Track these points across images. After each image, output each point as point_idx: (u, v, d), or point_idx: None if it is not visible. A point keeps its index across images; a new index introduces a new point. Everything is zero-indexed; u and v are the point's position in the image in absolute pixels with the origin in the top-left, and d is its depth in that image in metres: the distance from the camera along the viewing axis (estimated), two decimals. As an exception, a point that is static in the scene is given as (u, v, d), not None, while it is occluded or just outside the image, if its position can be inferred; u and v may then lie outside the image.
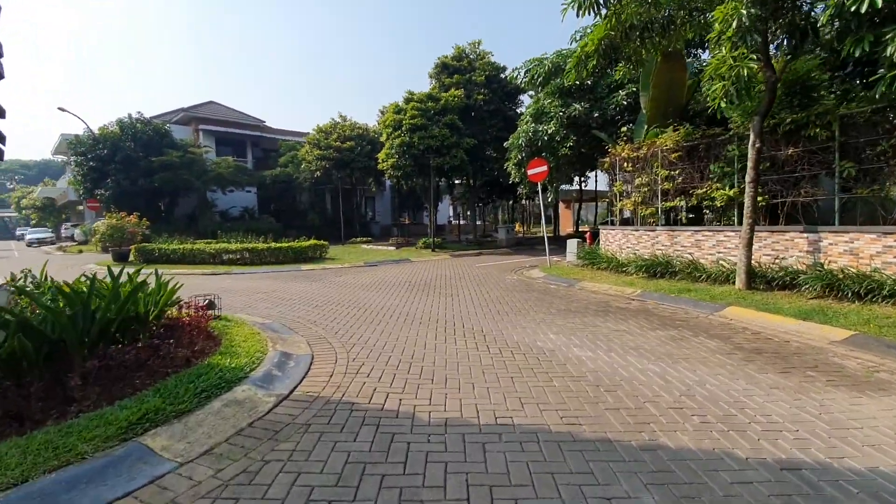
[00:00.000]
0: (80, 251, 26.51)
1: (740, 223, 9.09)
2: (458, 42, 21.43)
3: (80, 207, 34.46)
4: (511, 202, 31.39)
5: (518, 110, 24.43)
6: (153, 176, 25.57)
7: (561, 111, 13.48)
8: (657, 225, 10.74)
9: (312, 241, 17.14)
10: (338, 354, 5.11)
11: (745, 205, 7.79)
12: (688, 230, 9.87)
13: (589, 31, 10.78)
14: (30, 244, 36.26)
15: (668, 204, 10.30)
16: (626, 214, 13.21)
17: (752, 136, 7.66)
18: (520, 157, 15.19)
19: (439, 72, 23.83)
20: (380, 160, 21.75)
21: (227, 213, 30.77)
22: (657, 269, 9.86)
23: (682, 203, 10.02)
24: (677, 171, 9.98)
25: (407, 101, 21.38)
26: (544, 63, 14.74)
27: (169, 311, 5.39)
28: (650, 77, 11.16)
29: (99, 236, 17.23)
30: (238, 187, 29.98)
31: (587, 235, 15.93)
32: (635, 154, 11.04)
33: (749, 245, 7.79)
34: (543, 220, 14.61)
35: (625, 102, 12.94)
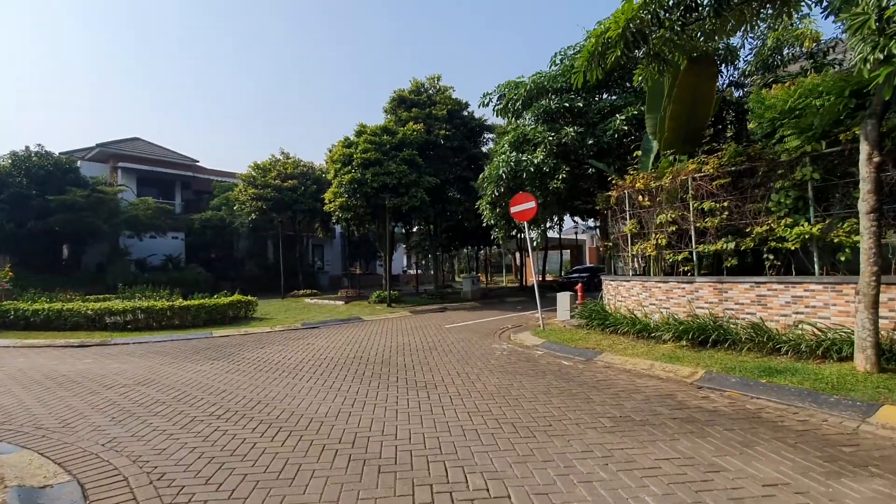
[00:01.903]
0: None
1: (822, 272, 6.66)
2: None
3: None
4: (477, 249, 28.67)
5: (483, 149, 22.41)
6: (48, 218, 21.06)
7: (550, 136, 11.04)
8: (693, 274, 8.16)
9: (235, 297, 13.38)
10: None
11: (863, 248, 5.28)
12: (744, 282, 7.29)
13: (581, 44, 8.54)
14: None
15: (709, 248, 7.74)
16: (611, 259, 10.65)
17: (865, 149, 5.28)
18: (496, 193, 12.51)
19: (396, 106, 21.51)
20: (326, 200, 18.59)
21: (145, 262, 26.10)
22: (706, 335, 7.14)
23: (729, 245, 7.48)
24: (725, 203, 7.53)
25: (359, 133, 18.64)
26: (523, 85, 12.49)
27: None
28: (665, 92, 8.98)
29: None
30: (159, 233, 25.75)
31: (577, 288, 13.30)
32: (656, 184, 8.60)
33: (875, 305, 5.20)
34: (536, 269, 11.84)
35: (625, 128, 10.73)
